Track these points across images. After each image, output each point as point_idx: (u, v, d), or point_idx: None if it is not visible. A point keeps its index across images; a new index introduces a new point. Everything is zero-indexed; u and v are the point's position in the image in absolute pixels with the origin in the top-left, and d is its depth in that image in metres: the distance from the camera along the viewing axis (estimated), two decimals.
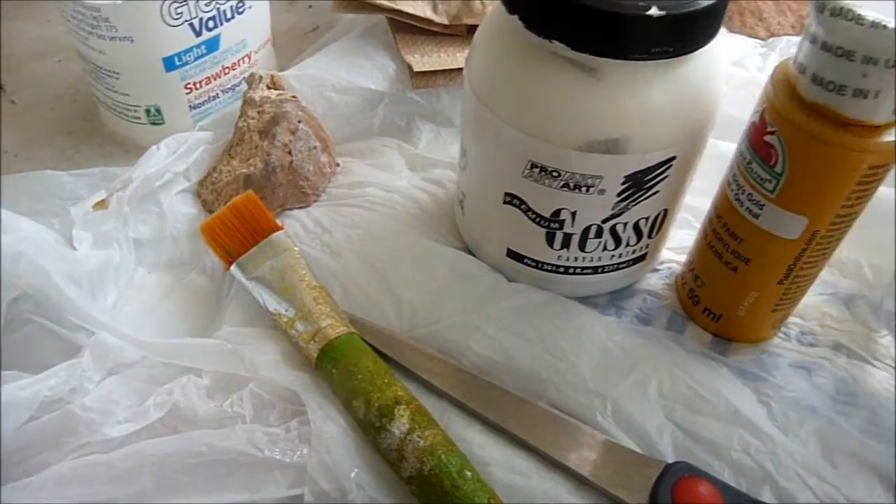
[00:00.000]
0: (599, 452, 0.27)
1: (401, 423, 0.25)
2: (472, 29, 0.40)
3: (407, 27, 0.40)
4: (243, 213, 0.31)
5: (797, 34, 0.48)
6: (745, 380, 0.29)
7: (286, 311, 0.29)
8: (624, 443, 0.27)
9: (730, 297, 0.30)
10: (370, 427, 0.26)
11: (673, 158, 0.27)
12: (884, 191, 0.36)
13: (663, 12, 0.23)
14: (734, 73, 0.43)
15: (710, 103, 0.27)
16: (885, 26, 0.21)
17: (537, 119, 0.26)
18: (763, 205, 0.27)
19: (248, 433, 0.25)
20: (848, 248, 0.35)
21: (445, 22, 0.40)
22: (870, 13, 0.22)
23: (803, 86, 0.24)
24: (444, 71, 0.39)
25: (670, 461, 0.27)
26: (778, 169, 0.26)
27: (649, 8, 0.23)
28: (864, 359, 0.31)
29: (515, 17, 0.26)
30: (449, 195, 0.36)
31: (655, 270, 0.34)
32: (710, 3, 0.24)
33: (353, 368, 0.27)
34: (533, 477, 0.26)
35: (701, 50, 0.26)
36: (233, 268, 0.31)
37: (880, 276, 0.34)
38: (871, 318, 0.33)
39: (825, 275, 0.35)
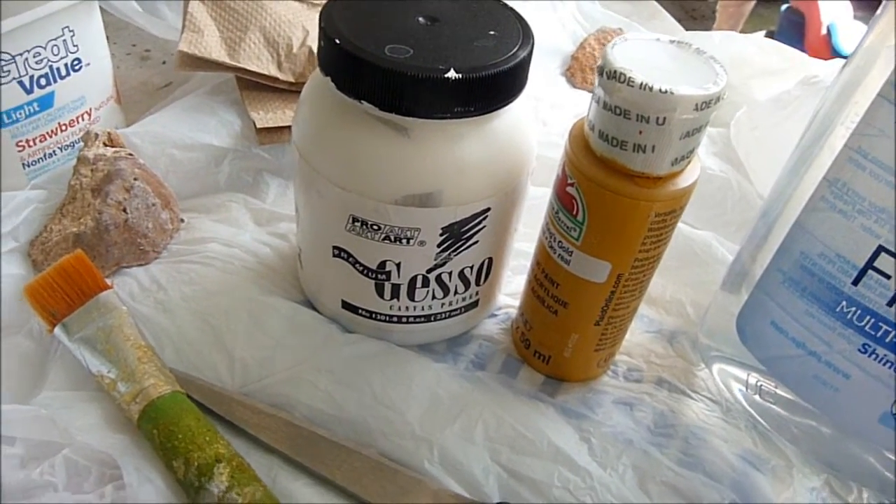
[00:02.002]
0: (426, 499, 0.27)
1: (220, 482, 0.25)
2: None
3: (254, 84, 0.41)
4: (70, 273, 0.31)
5: None
6: (569, 418, 0.31)
7: (109, 371, 0.28)
8: (451, 487, 0.28)
9: (554, 339, 0.32)
10: (190, 487, 0.26)
11: (488, 209, 0.29)
12: (700, 234, 0.40)
13: (460, 75, 0.25)
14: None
15: (521, 156, 0.29)
16: (651, 88, 0.24)
17: (354, 175, 0.27)
18: (572, 251, 0.28)
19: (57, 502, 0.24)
20: (672, 288, 0.38)
21: (291, 79, 0.41)
22: (639, 76, 0.24)
23: (593, 141, 0.26)
24: (289, 127, 0.40)
25: (495, 502, 0.27)
26: (580, 218, 0.28)
27: (448, 71, 0.25)
28: (683, 392, 0.33)
29: (328, 78, 0.27)
30: (293, 249, 0.36)
31: (493, 316, 0.36)
32: (506, 66, 0.26)
33: (174, 428, 0.26)
34: None
35: (508, 106, 0.28)
36: (56, 329, 0.30)
37: (700, 312, 0.37)
38: (690, 352, 0.35)
39: (652, 313, 0.37)
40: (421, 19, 0.28)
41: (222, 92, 0.42)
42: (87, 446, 0.26)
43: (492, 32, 0.28)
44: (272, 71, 0.40)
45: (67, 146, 0.38)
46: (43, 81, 0.36)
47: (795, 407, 0.31)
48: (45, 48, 0.35)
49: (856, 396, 0.29)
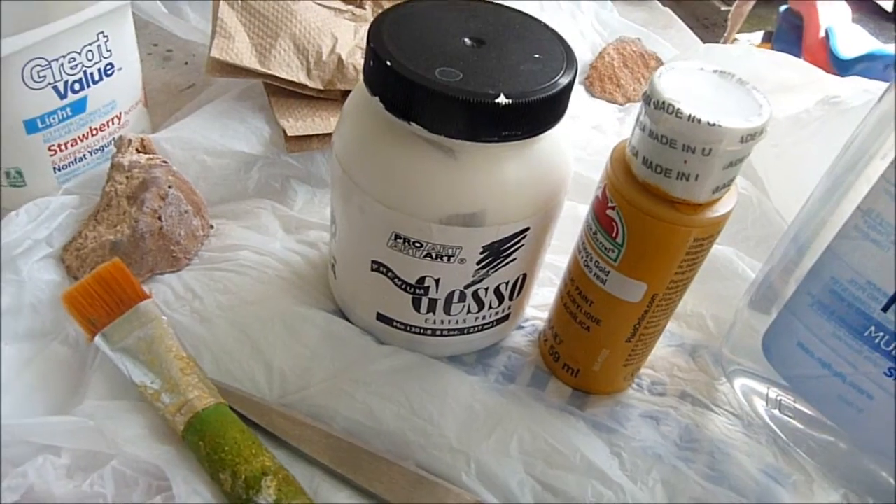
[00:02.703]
0: None
1: (267, 495, 0.26)
2: (346, 94, 0.41)
3: (282, 90, 0.41)
4: (109, 281, 0.31)
5: None
6: (600, 432, 0.32)
7: (152, 382, 0.29)
8: (488, 500, 0.29)
9: (585, 353, 0.32)
10: (238, 500, 0.26)
11: (527, 229, 0.29)
12: (721, 249, 0.40)
13: (510, 100, 0.26)
14: (593, 139, 0.46)
15: (560, 178, 0.30)
16: (699, 120, 0.24)
17: (400, 194, 0.28)
18: (608, 272, 0.29)
19: None
20: (693, 302, 0.39)
21: (320, 87, 0.41)
22: (687, 108, 0.24)
23: (636, 167, 0.27)
24: (318, 135, 0.40)
25: None
26: (619, 240, 0.28)
27: (498, 96, 0.25)
28: (706, 406, 0.34)
29: (377, 98, 0.27)
30: (323, 257, 0.37)
31: (520, 328, 0.36)
32: (553, 91, 0.27)
33: (219, 440, 0.27)
34: None
35: (549, 131, 0.28)
36: (97, 338, 0.30)
37: (720, 326, 0.38)
38: (711, 366, 0.36)
39: (673, 327, 0.38)
40: (467, 41, 0.28)
41: (249, 97, 0.42)
42: (134, 457, 0.27)
43: (537, 56, 0.28)
44: (301, 78, 0.40)
45: (97, 150, 0.39)
46: (77, 87, 0.36)
47: (814, 422, 0.32)
48: (80, 54, 0.35)
49: (878, 416, 0.30)
